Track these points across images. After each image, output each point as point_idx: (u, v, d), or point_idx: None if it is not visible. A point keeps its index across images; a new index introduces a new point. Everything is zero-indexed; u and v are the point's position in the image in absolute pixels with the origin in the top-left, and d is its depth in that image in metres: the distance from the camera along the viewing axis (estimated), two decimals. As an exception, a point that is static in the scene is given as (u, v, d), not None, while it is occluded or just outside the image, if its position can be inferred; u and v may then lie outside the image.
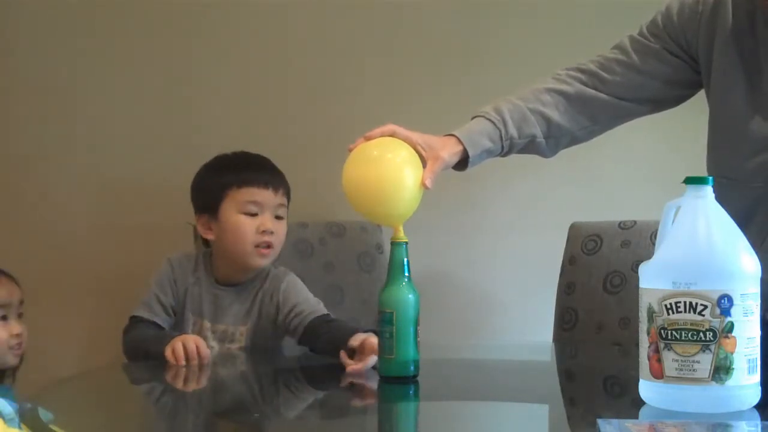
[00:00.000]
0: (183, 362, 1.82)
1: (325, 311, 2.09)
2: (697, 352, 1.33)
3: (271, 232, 2.11)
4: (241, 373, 1.76)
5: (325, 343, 1.95)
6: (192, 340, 1.86)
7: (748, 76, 1.71)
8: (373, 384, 1.71)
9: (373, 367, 1.72)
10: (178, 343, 1.84)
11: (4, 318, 2.14)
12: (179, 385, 1.89)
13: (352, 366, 1.74)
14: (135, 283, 2.66)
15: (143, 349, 1.98)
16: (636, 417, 1.38)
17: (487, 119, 1.78)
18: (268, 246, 2.11)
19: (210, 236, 2.14)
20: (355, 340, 1.78)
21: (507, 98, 1.82)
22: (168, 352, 1.85)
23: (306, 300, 2.12)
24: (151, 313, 2.12)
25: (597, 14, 2.70)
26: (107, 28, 2.72)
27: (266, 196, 2.12)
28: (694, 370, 1.33)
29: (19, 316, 2.17)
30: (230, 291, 2.15)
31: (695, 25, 1.77)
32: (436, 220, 2.63)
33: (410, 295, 1.66)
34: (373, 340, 1.72)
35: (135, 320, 2.12)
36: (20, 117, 2.72)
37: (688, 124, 2.01)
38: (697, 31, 1.76)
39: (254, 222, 2.10)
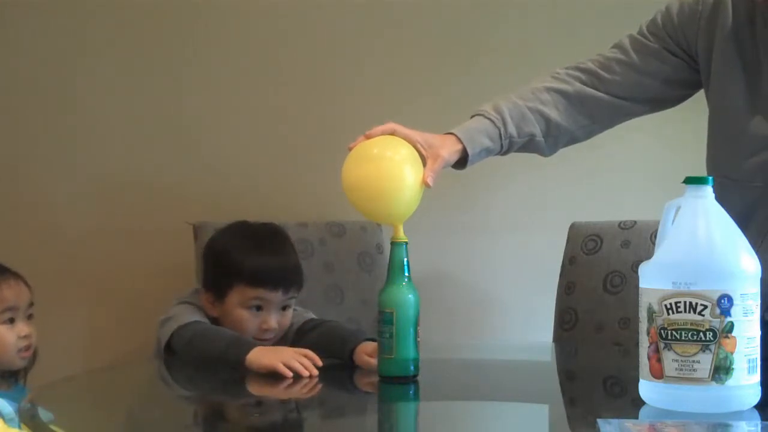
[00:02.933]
0: (307, 373, 1.72)
1: (313, 316, 2.08)
2: (697, 352, 1.33)
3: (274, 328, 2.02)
4: (239, 373, 1.75)
5: (317, 336, 1.95)
6: (303, 355, 1.76)
7: (747, 75, 1.71)
8: (373, 384, 1.71)
9: None
10: (293, 362, 1.73)
11: (12, 320, 2.09)
12: (180, 385, 1.89)
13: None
14: (135, 283, 2.68)
15: (214, 347, 1.86)
16: (636, 417, 1.38)
17: (487, 118, 1.78)
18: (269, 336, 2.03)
19: (213, 313, 2.03)
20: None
21: (506, 97, 1.82)
22: (280, 367, 1.71)
23: (298, 313, 2.10)
24: (198, 316, 2.00)
25: (597, 14, 2.70)
26: (107, 28, 2.72)
27: (274, 296, 2.01)
28: (694, 370, 1.33)
29: (29, 317, 2.13)
30: None
31: (695, 25, 1.77)
32: (436, 220, 2.63)
33: (410, 295, 1.65)
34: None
35: (183, 328, 1.94)
36: (20, 117, 2.72)
37: (688, 124, 2.01)
38: (697, 31, 1.76)
39: (257, 318, 2.00)
